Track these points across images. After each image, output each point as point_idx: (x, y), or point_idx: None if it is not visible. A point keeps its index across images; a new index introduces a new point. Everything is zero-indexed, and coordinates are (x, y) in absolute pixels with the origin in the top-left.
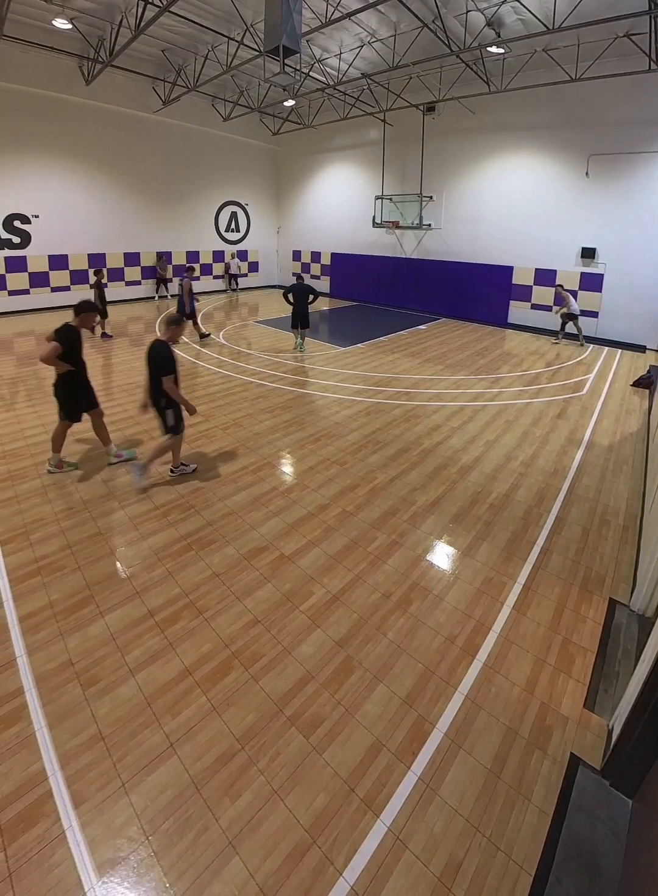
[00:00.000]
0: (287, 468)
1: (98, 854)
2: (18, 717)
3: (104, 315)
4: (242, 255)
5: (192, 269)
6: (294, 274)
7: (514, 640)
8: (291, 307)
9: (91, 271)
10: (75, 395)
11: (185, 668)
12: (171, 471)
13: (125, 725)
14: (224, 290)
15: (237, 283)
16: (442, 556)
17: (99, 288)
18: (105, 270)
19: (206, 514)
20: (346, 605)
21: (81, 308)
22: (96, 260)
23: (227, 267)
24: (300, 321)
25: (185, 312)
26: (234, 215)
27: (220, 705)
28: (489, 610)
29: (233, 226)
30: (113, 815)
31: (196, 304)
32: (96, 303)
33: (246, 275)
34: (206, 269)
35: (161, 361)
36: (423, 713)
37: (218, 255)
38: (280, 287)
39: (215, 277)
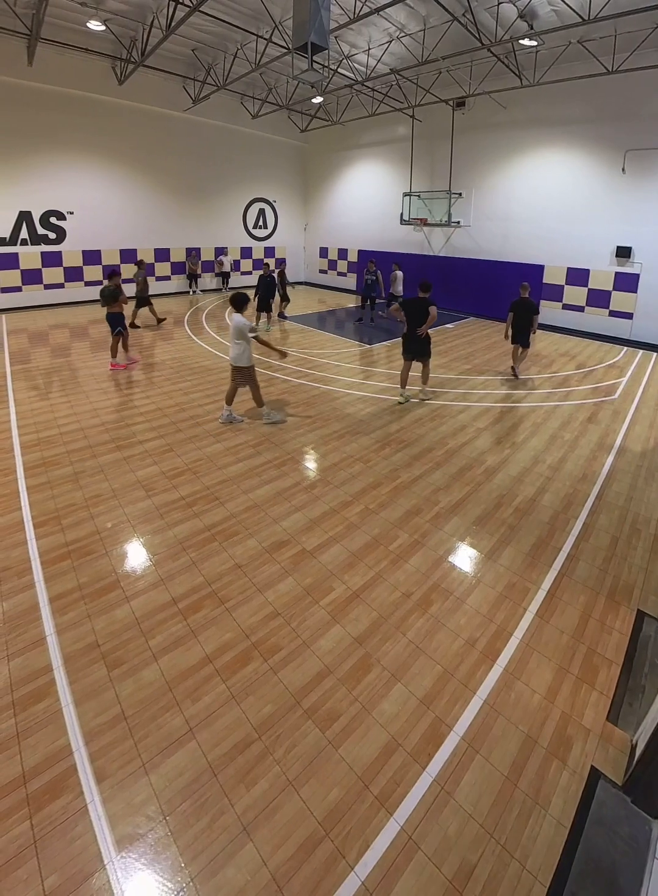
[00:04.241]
0: (310, 464)
1: (118, 830)
2: (47, 692)
3: (285, 299)
4: (269, 251)
5: (373, 262)
6: (264, 263)
7: (537, 647)
8: (259, 295)
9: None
10: None
11: (206, 656)
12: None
13: (147, 708)
14: (219, 289)
15: (227, 282)
16: (464, 558)
17: (281, 277)
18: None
19: (230, 507)
20: (366, 603)
21: (427, 287)
22: (128, 255)
23: (221, 264)
24: (266, 306)
25: (383, 294)
26: (262, 212)
27: (239, 694)
28: (511, 615)
29: (261, 222)
30: (133, 793)
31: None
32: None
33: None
34: (234, 266)
35: (533, 308)
36: (440, 715)
37: (245, 252)
38: (307, 284)
39: (217, 275)
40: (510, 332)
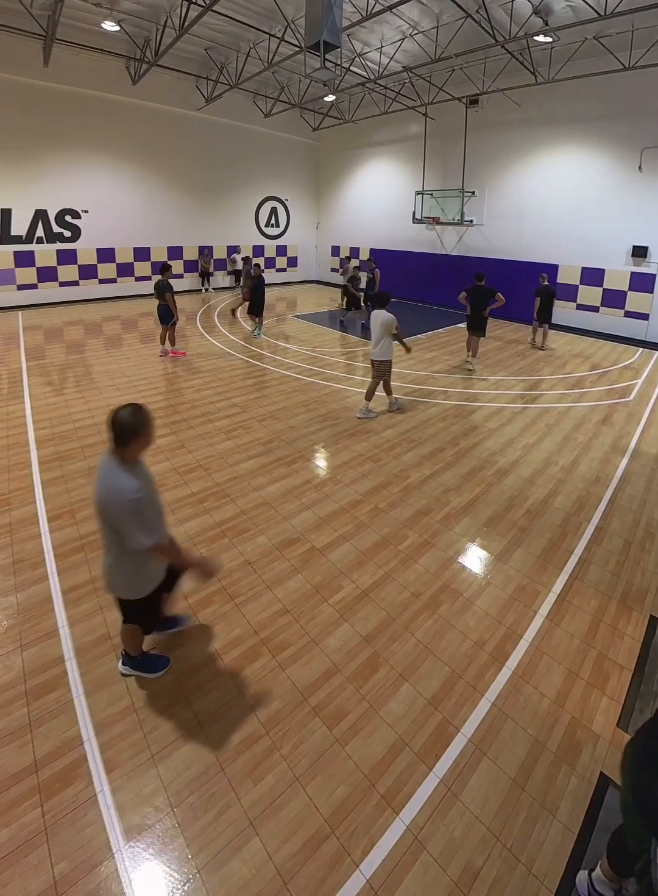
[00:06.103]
0: (321, 462)
1: (126, 819)
2: (59, 683)
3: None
4: (281, 249)
5: (372, 260)
6: (255, 264)
7: (546, 651)
8: (252, 297)
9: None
10: None
11: (215, 651)
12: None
13: (156, 700)
14: (231, 287)
15: (239, 280)
16: (474, 559)
17: (353, 279)
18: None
19: (241, 503)
20: (375, 602)
21: (482, 276)
22: (141, 253)
23: (234, 262)
24: (258, 309)
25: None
26: (274, 211)
27: (247, 690)
28: (521, 618)
29: (273, 221)
30: (142, 784)
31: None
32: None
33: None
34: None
35: (553, 292)
36: (447, 716)
37: (258, 250)
38: (318, 282)
39: (229, 273)
40: (535, 314)
